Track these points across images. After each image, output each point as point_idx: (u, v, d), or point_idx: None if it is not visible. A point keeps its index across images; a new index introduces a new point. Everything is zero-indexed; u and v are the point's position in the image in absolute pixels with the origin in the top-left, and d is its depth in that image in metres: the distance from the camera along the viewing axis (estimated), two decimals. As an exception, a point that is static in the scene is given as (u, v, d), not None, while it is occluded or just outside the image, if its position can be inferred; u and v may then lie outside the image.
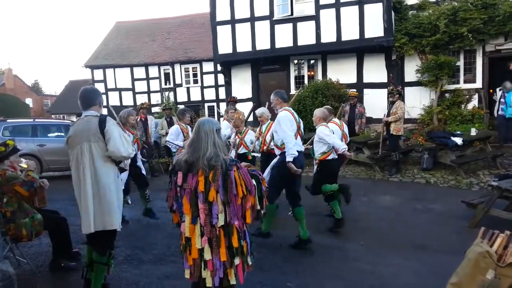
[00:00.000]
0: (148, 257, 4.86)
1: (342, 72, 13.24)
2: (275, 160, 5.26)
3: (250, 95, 15.17)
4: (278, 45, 13.76)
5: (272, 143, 5.72)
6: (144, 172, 6.64)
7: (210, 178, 2.62)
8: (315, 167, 6.21)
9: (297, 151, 4.88)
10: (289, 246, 5.13)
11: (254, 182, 2.76)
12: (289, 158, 4.73)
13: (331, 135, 5.69)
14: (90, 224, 3.40)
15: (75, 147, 3.45)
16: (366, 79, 13.29)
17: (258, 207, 2.79)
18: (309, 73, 14.51)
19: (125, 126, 6.10)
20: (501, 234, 3.02)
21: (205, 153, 2.65)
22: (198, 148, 2.69)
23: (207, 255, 2.65)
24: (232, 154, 6.88)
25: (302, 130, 5.22)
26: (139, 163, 6.52)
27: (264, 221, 5.20)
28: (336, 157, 5.94)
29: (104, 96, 22.03)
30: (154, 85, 21.94)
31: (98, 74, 22.63)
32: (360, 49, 12.95)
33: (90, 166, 3.40)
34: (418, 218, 6.45)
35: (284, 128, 4.83)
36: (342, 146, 5.57)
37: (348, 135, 7.11)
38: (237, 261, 2.73)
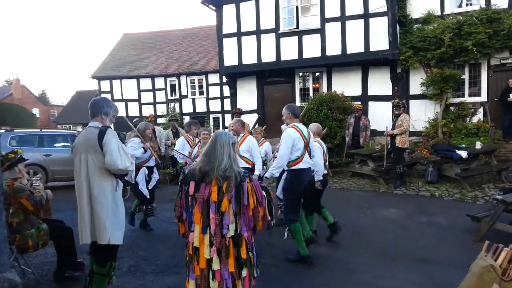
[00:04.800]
0: (151, 268, 4.87)
1: (347, 85, 13.32)
2: (283, 179, 5.19)
3: (255, 107, 15.27)
4: (283, 57, 13.89)
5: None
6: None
7: (224, 188, 2.66)
8: None
9: (305, 168, 4.90)
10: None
11: (264, 193, 2.80)
12: (267, 174, 4.83)
13: (318, 153, 5.55)
14: (84, 235, 3.45)
15: (76, 156, 3.53)
16: (371, 92, 13.34)
17: (269, 218, 2.83)
18: (314, 85, 14.59)
19: (145, 138, 6.39)
20: (505, 248, 3.02)
21: (220, 163, 2.70)
22: (214, 158, 2.73)
23: (216, 266, 2.66)
24: None
25: (312, 147, 5.16)
26: (155, 175, 6.69)
27: (299, 245, 4.99)
28: (326, 172, 5.98)
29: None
30: (160, 96, 22.14)
31: (105, 85, 22.88)
32: (365, 62, 13.03)
33: (86, 177, 3.44)
34: (422, 231, 6.41)
35: (284, 146, 4.83)
36: (319, 176, 5.37)
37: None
38: (244, 272, 2.74)
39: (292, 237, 5.03)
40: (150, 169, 6.51)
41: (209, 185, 2.70)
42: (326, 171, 5.99)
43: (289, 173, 4.94)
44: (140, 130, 6.42)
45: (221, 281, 2.67)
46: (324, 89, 13.91)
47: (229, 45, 14.76)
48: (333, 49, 13.05)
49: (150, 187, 6.52)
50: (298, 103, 14.27)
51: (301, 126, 5.01)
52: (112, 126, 3.75)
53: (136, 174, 6.25)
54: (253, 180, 2.78)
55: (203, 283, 2.70)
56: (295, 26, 13.58)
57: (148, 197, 6.42)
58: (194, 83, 21.52)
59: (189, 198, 2.75)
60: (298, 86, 14.83)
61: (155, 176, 6.68)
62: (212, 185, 2.69)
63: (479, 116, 12.02)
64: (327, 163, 6.04)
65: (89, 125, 3.62)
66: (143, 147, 6.21)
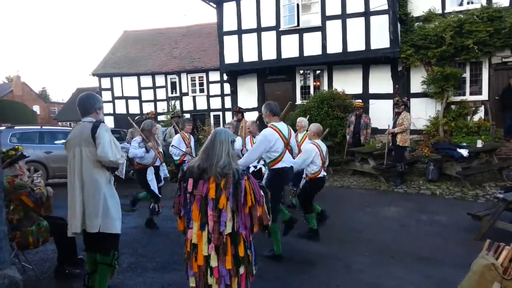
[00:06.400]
0: (151, 265, 4.87)
1: (348, 83, 13.30)
2: (265, 179, 5.14)
3: (255, 105, 15.23)
4: (284, 55, 13.85)
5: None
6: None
7: (222, 185, 2.65)
8: (303, 182, 6.12)
9: (286, 167, 4.86)
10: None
11: (262, 193, 2.79)
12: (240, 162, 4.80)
13: (309, 158, 5.58)
14: (73, 225, 3.53)
15: (69, 151, 3.63)
16: (371, 90, 13.32)
17: (268, 217, 2.83)
18: (315, 83, 14.56)
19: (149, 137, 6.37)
20: (506, 246, 3.01)
21: (219, 160, 2.70)
22: (212, 155, 2.74)
23: (214, 262, 2.67)
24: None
25: (293, 146, 5.13)
26: (161, 174, 6.72)
27: (275, 243, 4.98)
28: (325, 174, 5.93)
29: (110, 104, 22.25)
30: (161, 93, 22.10)
31: (106, 82, 22.84)
32: (366, 60, 13.00)
33: (79, 169, 3.53)
34: (423, 230, 6.41)
35: (258, 146, 4.76)
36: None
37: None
38: (241, 270, 2.74)
39: (268, 236, 4.87)
40: (157, 168, 6.51)
41: (207, 182, 2.70)
42: (325, 173, 5.96)
43: (271, 172, 4.93)
44: (146, 128, 6.43)
45: (219, 277, 2.68)
46: (325, 87, 13.89)
47: (230, 42, 14.73)
48: (334, 47, 13.01)
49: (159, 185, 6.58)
50: (299, 101, 14.26)
51: (280, 125, 4.91)
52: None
53: (145, 175, 6.27)
54: (251, 179, 2.77)
55: (201, 280, 2.71)
56: (295, 24, 13.53)
57: (160, 195, 6.47)
58: (195, 80, 21.46)
59: (188, 195, 2.74)
60: (298, 84, 14.80)
61: (162, 174, 6.73)
62: (210, 182, 2.69)
63: (480, 114, 12.00)
64: (325, 165, 5.94)
65: (83, 120, 3.68)
66: (145, 147, 6.20)
